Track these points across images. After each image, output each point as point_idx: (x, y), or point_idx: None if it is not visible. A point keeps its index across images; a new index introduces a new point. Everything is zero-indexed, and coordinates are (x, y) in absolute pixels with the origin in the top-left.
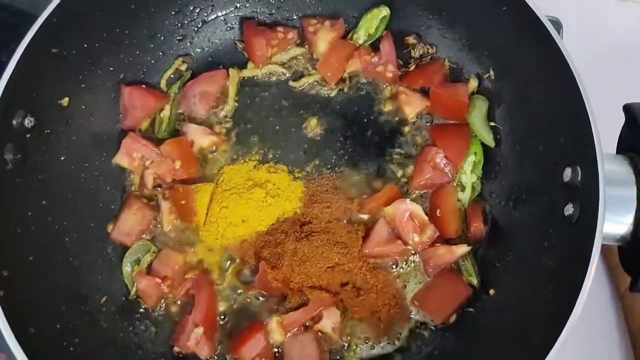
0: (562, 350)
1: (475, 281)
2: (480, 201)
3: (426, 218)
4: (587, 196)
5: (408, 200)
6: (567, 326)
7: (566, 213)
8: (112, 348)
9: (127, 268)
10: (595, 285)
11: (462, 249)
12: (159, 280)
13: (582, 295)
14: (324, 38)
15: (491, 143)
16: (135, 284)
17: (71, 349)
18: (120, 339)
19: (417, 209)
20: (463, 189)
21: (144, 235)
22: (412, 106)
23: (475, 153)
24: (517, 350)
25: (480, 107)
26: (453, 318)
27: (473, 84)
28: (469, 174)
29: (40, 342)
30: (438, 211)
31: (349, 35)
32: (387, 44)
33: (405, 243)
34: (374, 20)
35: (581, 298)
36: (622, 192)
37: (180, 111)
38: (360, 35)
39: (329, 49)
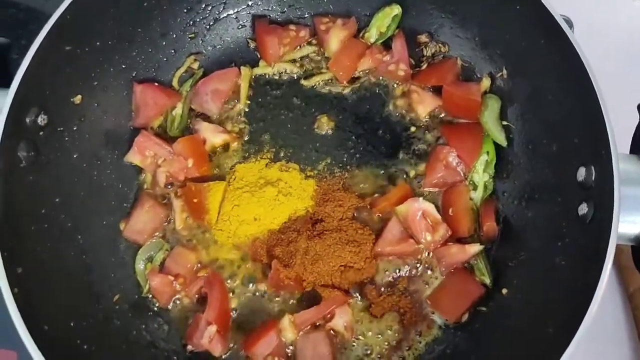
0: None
1: (487, 280)
2: (492, 200)
3: (439, 217)
4: (602, 196)
5: (420, 198)
6: (581, 327)
7: (580, 213)
8: (125, 346)
9: (140, 265)
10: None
11: (475, 247)
12: (172, 278)
13: (597, 295)
14: (336, 36)
15: (503, 142)
16: (148, 282)
17: (85, 346)
18: (133, 336)
19: (430, 208)
20: (475, 187)
21: (156, 233)
22: (424, 105)
23: (488, 152)
24: (530, 350)
25: (492, 106)
26: (465, 317)
27: (486, 83)
28: (481, 173)
29: (53, 340)
30: (450, 210)
31: (361, 34)
32: (399, 42)
33: (418, 242)
34: (385, 19)
35: (596, 298)
36: (636, 191)
37: (192, 109)
38: (372, 34)
39: (340, 47)
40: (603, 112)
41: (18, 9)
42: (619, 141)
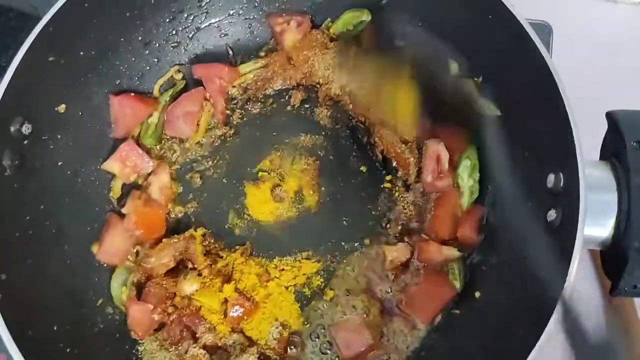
0: (550, 348)
1: (458, 285)
2: (477, 207)
3: (445, 168)
4: (569, 202)
5: (442, 143)
6: (547, 327)
7: (549, 218)
8: (109, 349)
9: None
10: (584, 284)
11: (451, 252)
12: (150, 307)
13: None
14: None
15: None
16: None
17: (68, 350)
18: (117, 339)
19: (444, 157)
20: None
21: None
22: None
23: (469, 157)
24: (501, 350)
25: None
26: (438, 319)
27: None
28: (466, 179)
29: (37, 344)
30: (437, 211)
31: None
32: None
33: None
34: (353, 20)
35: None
36: (604, 197)
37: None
38: (338, 27)
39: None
40: (570, 120)
41: (7, 17)
42: (592, 148)
